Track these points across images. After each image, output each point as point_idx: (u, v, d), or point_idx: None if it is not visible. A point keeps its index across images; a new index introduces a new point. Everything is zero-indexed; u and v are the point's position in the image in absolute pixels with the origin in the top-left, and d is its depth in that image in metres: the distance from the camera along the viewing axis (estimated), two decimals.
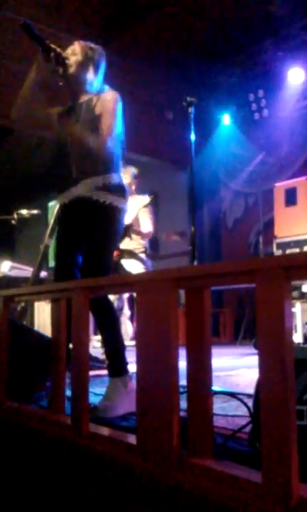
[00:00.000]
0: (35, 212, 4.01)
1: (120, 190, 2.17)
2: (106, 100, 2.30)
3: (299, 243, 5.05)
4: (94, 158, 2.18)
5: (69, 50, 2.31)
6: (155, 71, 7.24)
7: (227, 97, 7.56)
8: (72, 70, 2.27)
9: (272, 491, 0.97)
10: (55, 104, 2.57)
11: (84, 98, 2.31)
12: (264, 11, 6.12)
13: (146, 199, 3.98)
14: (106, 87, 2.44)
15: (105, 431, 1.48)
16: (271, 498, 0.97)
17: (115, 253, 3.96)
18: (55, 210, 3.65)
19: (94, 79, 2.35)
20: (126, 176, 4.04)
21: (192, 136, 3.10)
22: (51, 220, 3.61)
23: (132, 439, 1.33)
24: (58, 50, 2.22)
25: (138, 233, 4.01)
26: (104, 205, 2.10)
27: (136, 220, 3.93)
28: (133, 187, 4.07)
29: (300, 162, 6.97)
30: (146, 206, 3.91)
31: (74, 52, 2.31)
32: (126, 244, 4.04)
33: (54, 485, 1.51)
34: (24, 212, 3.90)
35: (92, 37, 6.47)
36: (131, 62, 7.01)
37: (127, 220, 3.90)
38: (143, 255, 4.09)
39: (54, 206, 3.70)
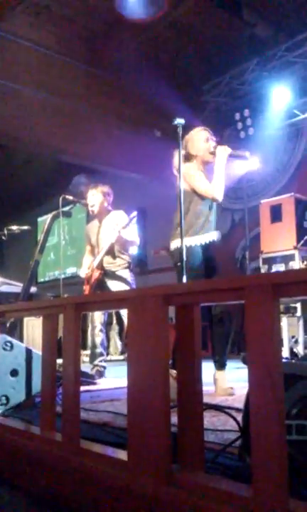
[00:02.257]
0: (25, 227, 4.02)
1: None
2: None
3: (285, 258, 5.13)
4: None
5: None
6: (143, 90, 7.34)
7: (213, 116, 7.69)
8: None
9: (262, 506, 0.99)
10: None
11: None
12: (249, 32, 6.27)
13: (122, 216, 3.98)
14: None
15: (96, 447, 1.48)
16: None
17: (98, 272, 3.96)
18: (46, 225, 3.67)
19: None
20: (97, 194, 4.08)
21: (181, 154, 3.15)
22: (41, 236, 3.62)
23: (123, 455, 1.34)
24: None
25: (125, 243, 3.98)
26: None
27: (120, 238, 3.91)
28: (106, 204, 4.10)
29: (285, 179, 7.09)
30: (124, 228, 3.89)
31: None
32: (108, 261, 4.02)
33: (44, 502, 1.51)
34: (14, 227, 3.91)
35: (81, 55, 6.61)
36: (119, 81, 7.13)
37: (110, 239, 3.91)
38: (127, 271, 4.06)
39: (44, 221, 3.72)
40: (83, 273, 4.09)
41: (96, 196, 4.08)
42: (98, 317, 3.98)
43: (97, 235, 4.09)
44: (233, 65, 7.02)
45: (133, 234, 4.05)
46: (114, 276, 4.00)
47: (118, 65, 6.87)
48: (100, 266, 3.98)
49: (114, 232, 3.86)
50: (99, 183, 4.16)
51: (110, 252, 3.99)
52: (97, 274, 3.96)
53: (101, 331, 3.98)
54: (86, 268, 4.09)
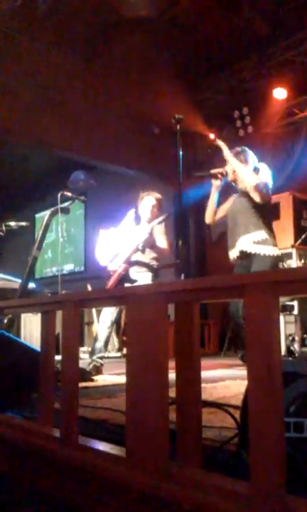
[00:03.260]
0: (23, 224, 4.01)
1: None
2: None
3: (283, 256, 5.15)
4: None
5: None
6: (141, 86, 7.34)
7: (212, 114, 7.69)
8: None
9: (261, 502, 1.00)
10: None
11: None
12: (248, 29, 6.26)
13: (159, 218, 4.05)
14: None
15: (94, 443, 1.49)
16: (259, 509, 0.99)
17: (124, 266, 3.99)
18: (44, 222, 3.66)
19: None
20: (152, 200, 4.13)
21: (180, 152, 3.16)
22: (39, 232, 3.62)
23: (121, 451, 1.34)
24: (221, 171, 3.60)
25: (153, 247, 4.04)
26: None
27: (151, 236, 3.98)
28: (156, 210, 4.19)
29: (283, 177, 7.10)
30: (160, 223, 3.97)
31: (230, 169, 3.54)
32: (138, 256, 4.06)
33: (42, 498, 1.52)
34: (12, 224, 3.91)
35: (80, 51, 6.59)
36: (116, 77, 7.11)
37: (141, 236, 3.96)
38: (151, 274, 4.11)
39: (42, 217, 3.72)
40: (112, 266, 4.09)
41: (151, 205, 4.14)
42: (110, 313, 4.01)
43: (136, 235, 4.12)
44: (232, 63, 7.01)
45: (162, 241, 4.07)
46: (142, 264, 4.04)
47: (117, 61, 6.86)
48: (127, 261, 4.01)
49: (148, 229, 3.92)
50: (151, 190, 4.23)
51: (141, 250, 4.03)
52: (121, 269, 3.98)
53: (108, 327, 4.00)
54: (114, 263, 4.10)
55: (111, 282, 3.98)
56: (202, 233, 8.08)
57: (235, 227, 3.57)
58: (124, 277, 3.98)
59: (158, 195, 4.23)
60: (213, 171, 3.58)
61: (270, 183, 3.47)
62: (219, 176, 3.51)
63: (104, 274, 4.10)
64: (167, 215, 4.00)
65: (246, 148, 3.63)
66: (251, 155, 3.56)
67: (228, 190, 3.74)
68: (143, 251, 4.06)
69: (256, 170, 3.56)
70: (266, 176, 3.56)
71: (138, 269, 4.06)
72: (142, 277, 4.01)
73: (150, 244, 4.03)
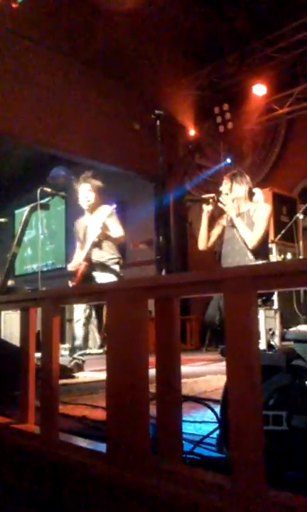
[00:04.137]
0: (2, 220, 3.97)
1: None
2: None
3: None
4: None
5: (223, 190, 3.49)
6: (122, 83, 7.31)
7: (192, 110, 7.70)
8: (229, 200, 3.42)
9: (240, 495, 1.01)
10: None
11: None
12: (229, 26, 6.28)
13: (109, 208, 3.98)
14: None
15: (75, 440, 1.49)
16: (239, 501, 1.00)
17: (84, 264, 3.94)
18: (24, 218, 3.63)
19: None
20: (92, 189, 4.06)
21: (160, 148, 3.16)
22: (19, 228, 3.58)
23: (102, 447, 1.34)
24: (213, 196, 3.45)
25: (108, 237, 3.98)
26: None
27: (105, 227, 3.92)
28: (99, 199, 4.10)
29: (263, 174, 7.15)
30: (109, 216, 3.91)
31: (226, 189, 3.46)
32: (98, 255, 4.00)
33: (23, 494, 1.51)
34: None
35: (63, 47, 6.53)
36: (98, 74, 7.08)
37: (94, 231, 3.91)
38: (117, 266, 4.06)
39: (22, 213, 3.68)
40: (70, 266, 4.06)
41: (91, 192, 4.06)
42: (83, 311, 3.97)
43: (85, 229, 4.07)
44: (212, 59, 7.03)
45: (118, 230, 4.03)
46: (104, 268, 3.99)
47: (99, 57, 6.81)
48: (87, 259, 3.96)
49: (99, 223, 3.86)
50: (90, 177, 4.13)
51: (98, 245, 3.98)
52: (82, 266, 3.94)
53: (84, 324, 3.97)
54: (74, 262, 4.07)
55: (75, 281, 3.95)
56: (183, 229, 8.10)
57: (231, 258, 3.51)
58: (87, 275, 3.95)
59: (95, 182, 4.11)
60: (205, 196, 3.55)
61: (266, 218, 3.40)
62: (211, 201, 3.49)
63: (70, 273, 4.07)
64: (114, 207, 3.95)
65: (242, 171, 3.63)
66: (246, 178, 3.56)
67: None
68: (100, 247, 4.00)
69: (251, 194, 3.55)
70: (259, 200, 3.58)
71: (99, 267, 4.01)
72: (104, 276, 3.99)
73: (104, 236, 3.96)
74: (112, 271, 3.97)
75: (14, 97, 6.21)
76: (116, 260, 4.06)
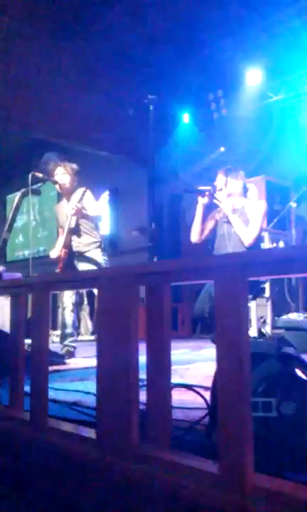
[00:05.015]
0: None
1: None
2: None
3: None
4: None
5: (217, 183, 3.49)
6: (116, 67, 7.22)
7: (186, 96, 7.63)
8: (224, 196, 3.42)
9: (228, 481, 1.01)
10: None
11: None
12: (225, 11, 6.20)
13: (83, 190, 3.90)
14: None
15: (64, 425, 1.49)
16: (226, 487, 1.01)
17: (64, 251, 3.88)
18: (15, 203, 3.60)
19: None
20: (67, 172, 3.99)
21: (153, 133, 3.13)
22: (10, 214, 3.55)
23: (91, 433, 1.34)
24: (210, 189, 3.44)
25: (85, 216, 3.89)
26: None
27: (81, 208, 3.83)
28: (75, 183, 4.03)
29: (257, 161, 7.12)
30: (81, 199, 3.81)
31: (221, 184, 3.47)
32: (77, 241, 3.94)
33: (12, 480, 1.51)
34: None
35: (51, 28, 6.42)
36: (92, 58, 6.98)
37: (70, 218, 3.85)
38: (98, 250, 4.00)
39: (13, 199, 3.64)
40: (53, 254, 4.02)
41: (66, 175, 4.00)
42: (69, 297, 3.94)
43: (65, 215, 4.02)
44: (207, 44, 6.95)
45: (95, 208, 3.90)
46: (83, 257, 3.95)
47: (89, 39, 6.72)
48: (66, 245, 3.91)
49: (72, 206, 3.80)
50: (66, 161, 4.07)
51: (76, 231, 3.91)
52: (62, 253, 3.89)
53: (72, 311, 3.95)
54: (55, 249, 4.04)
55: (58, 269, 3.91)
56: (176, 217, 8.08)
57: (225, 249, 3.49)
58: (68, 262, 3.91)
59: (70, 165, 4.03)
60: (200, 188, 3.51)
61: (261, 216, 3.38)
62: (207, 193, 3.46)
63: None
64: (85, 189, 3.86)
65: (237, 166, 3.59)
66: (241, 173, 3.53)
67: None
68: (78, 232, 3.94)
69: (245, 190, 3.52)
70: (254, 196, 3.55)
71: (79, 256, 3.97)
72: (85, 266, 3.94)
73: (81, 215, 3.87)
74: (91, 260, 3.92)
75: (3, 81, 6.12)
76: (98, 244, 4.00)
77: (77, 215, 3.84)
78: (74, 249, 3.94)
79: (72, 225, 3.88)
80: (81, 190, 3.92)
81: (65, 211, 4.02)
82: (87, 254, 3.95)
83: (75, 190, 3.98)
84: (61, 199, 4.19)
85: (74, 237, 3.93)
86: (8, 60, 6.16)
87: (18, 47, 6.23)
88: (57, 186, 4.05)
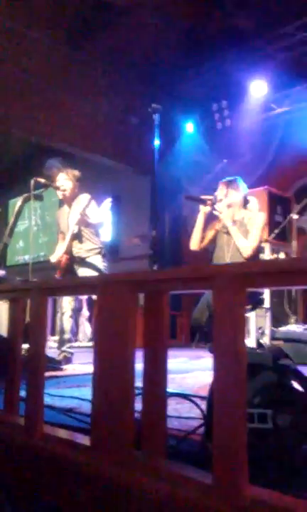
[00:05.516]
0: None
1: None
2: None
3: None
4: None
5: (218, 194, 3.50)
6: (122, 76, 7.28)
7: (190, 106, 7.68)
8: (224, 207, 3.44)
9: (222, 492, 1.00)
10: None
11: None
12: (231, 23, 6.25)
13: (87, 197, 3.90)
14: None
15: (59, 432, 1.48)
16: (220, 498, 1.00)
17: (65, 257, 3.89)
18: (16, 208, 3.61)
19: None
20: (68, 178, 4.01)
21: (156, 142, 3.14)
22: (11, 218, 3.56)
23: (86, 440, 1.34)
24: (211, 198, 3.48)
25: (88, 225, 3.90)
26: None
27: (84, 216, 3.84)
28: (76, 190, 4.05)
29: (259, 172, 7.15)
30: (88, 204, 3.84)
31: (222, 194, 3.48)
32: (78, 247, 3.95)
33: (6, 486, 1.50)
34: None
35: (62, 37, 6.48)
36: (98, 67, 7.04)
37: (73, 222, 3.87)
38: (99, 256, 4.01)
39: (15, 204, 3.65)
40: (53, 258, 4.03)
41: (67, 181, 4.01)
42: (68, 303, 3.95)
43: (67, 220, 4.03)
44: (212, 56, 7.00)
45: (97, 215, 3.92)
46: (84, 263, 3.95)
47: (98, 49, 6.77)
48: (68, 251, 3.92)
49: (76, 214, 3.82)
50: (68, 167, 4.09)
51: (77, 237, 3.93)
52: (63, 259, 3.90)
53: (70, 316, 3.95)
54: (55, 254, 4.04)
55: (57, 274, 3.92)
56: (178, 224, 8.09)
57: (223, 259, 3.49)
58: (68, 268, 3.92)
59: (72, 172, 4.06)
60: (203, 197, 3.53)
61: (261, 227, 3.38)
62: (208, 202, 3.47)
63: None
64: (90, 198, 3.88)
65: (239, 178, 3.61)
66: (242, 184, 3.54)
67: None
68: (80, 239, 3.95)
69: (246, 201, 3.54)
70: (254, 209, 3.56)
71: (80, 262, 3.98)
72: (85, 272, 3.95)
73: (84, 223, 3.90)
74: (92, 265, 3.92)
75: (9, 87, 6.16)
76: (98, 250, 4.01)
77: (80, 224, 3.85)
78: (75, 254, 3.94)
79: (75, 231, 3.89)
80: (84, 196, 3.93)
81: (66, 217, 4.03)
82: (87, 260, 3.95)
83: (77, 197, 4.00)
84: (62, 205, 4.20)
85: (75, 243, 3.94)
86: (14, 67, 6.20)
87: (22, 52, 6.28)
88: (58, 192, 4.06)
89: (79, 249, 3.95)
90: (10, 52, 6.12)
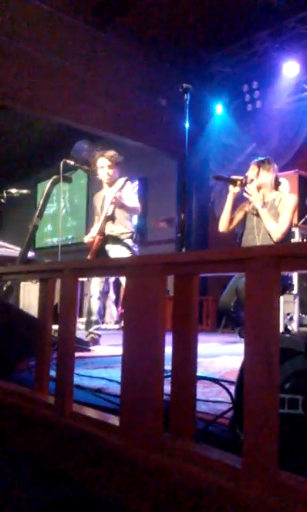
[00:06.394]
0: (24, 191, 3.97)
1: None
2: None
3: None
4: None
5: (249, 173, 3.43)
6: (150, 57, 7.18)
7: (220, 87, 7.54)
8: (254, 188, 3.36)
9: (251, 476, 1.00)
10: None
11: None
12: (262, 1, 6.07)
13: (122, 180, 3.94)
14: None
15: (88, 411, 1.49)
16: (250, 483, 0.99)
17: (98, 238, 3.93)
18: (46, 190, 3.62)
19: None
20: (109, 163, 4.01)
21: (187, 124, 3.10)
22: (41, 200, 3.57)
23: (115, 420, 1.35)
24: (241, 178, 3.41)
25: (123, 206, 3.94)
26: None
27: (119, 198, 3.88)
28: (117, 174, 4.07)
29: (289, 155, 6.99)
30: (121, 188, 3.86)
31: (253, 175, 3.40)
32: (110, 228, 3.99)
33: (38, 463, 1.53)
34: (13, 191, 3.87)
35: (88, 18, 6.41)
36: (126, 47, 6.95)
37: (107, 201, 3.89)
38: (130, 240, 4.03)
39: (44, 186, 3.67)
40: (86, 239, 4.07)
41: (109, 165, 4.03)
42: (97, 285, 3.98)
43: (103, 203, 4.05)
44: (243, 35, 6.83)
45: (133, 200, 3.98)
46: (116, 241, 3.97)
47: (125, 30, 6.68)
48: (101, 232, 3.95)
49: (112, 195, 3.83)
50: (108, 151, 4.09)
51: (111, 218, 3.95)
52: (96, 240, 3.94)
53: (98, 299, 3.98)
54: (89, 235, 4.07)
55: (89, 255, 3.95)
56: (205, 207, 8.02)
57: (253, 242, 3.43)
58: (101, 249, 3.95)
59: (111, 154, 4.05)
60: (233, 177, 3.46)
61: (292, 210, 3.28)
62: (238, 182, 3.40)
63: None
64: (126, 179, 3.89)
65: (270, 158, 3.52)
66: (274, 166, 3.46)
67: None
68: (113, 220, 3.97)
69: (277, 183, 3.46)
70: (285, 191, 3.48)
71: (112, 240, 4.00)
72: (117, 249, 3.96)
73: (120, 204, 3.91)
74: (124, 244, 3.95)
75: (36, 67, 6.14)
76: (129, 234, 4.02)
77: (116, 204, 3.87)
78: (108, 234, 3.97)
79: (109, 213, 3.92)
80: (122, 179, 3.96)
81: (103, 199, 4.05)
82: (118, 242, 3.97)
83: (116, 180, 4.02)
84: (100, 188, 4.22)
85: (108, 225, 3.97)
86: (41, 46, 6.16)
87: (51, 33, 6.23)
88: (100, 176, 4.07)
89: (111, 231, 3.98)
90: (34, 31, 6.08)
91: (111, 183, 4.06)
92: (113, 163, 4.03)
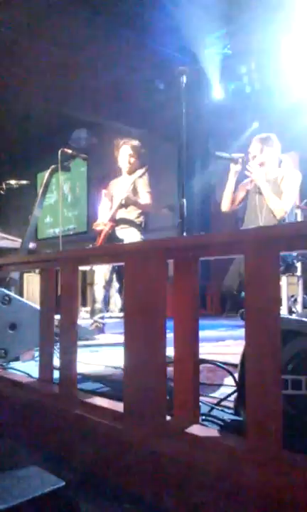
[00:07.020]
0: (24, 182, 3.95)
1: None
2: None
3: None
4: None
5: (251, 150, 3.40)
6: (146, 41, 7.07)
7: (218, 69, 7.44)
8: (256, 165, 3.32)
9: (256, 457, 1.00)
10: None
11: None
12: None
13: (142, 169, 3.92)
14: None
15: (92, 399, 1.50)
16: (254, 464, 1.00)
17: (110, 224, 3.93)
18: (44, 180, 3.60)
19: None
20: (133, 150, 3.99)
21: (183, 107, 3.05)
22: (40, 191, 3.56)
23: (120, 407, 1.35)
24: (242, 156, 3.37)
25: (135, 203, 3.94)
26: None
27: (134, 190, 3.88)
28: (137, 162, 4.05)
29: (289, 137, 6.91)
30: (141, 176, 3.86)
31: (256, 151, 3.38)
32: (122, 215, 3.98)
33: (43, 452, 1.54)
34: (13, 182, 3.85)
35: (82, 5, 6.31)
36: (121, 32, 6.84)
37: (123, 191, 3.87)
38: (140, 227, 4.04)
39: (43, 176, 3.64)
40: (95, 225, 4.06)
41: (131, 154, 4.01)
42: (102, 274, 3.98)
43: (118, 190, 4.03)
44: (240, 16, 6.72)
45: (146, 196, 3.98)
46: (128, 222, 3.96)
47: (121, 14, 6.58)
48: (113, 219, 3.95)
49: (128, 184, 3.82)
50: (132, 139, 4.08)
51: (123, 206, 3.95)
52: (107, 227, 3.93)
53: (103, 287, 3.98)
54: (99, 221, 4.06)
55: (98, 241, 3.94)
56: (206, 192, 7.98)
57: (255, 226, 3.39)
58: (111, 235, 3.94)
59: (135, 143, 4.07)
60: (234, 155, 3.40)
61: (296, 187, 3.27)
62: (240, 160, 3.34)
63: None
64: (146, 168, 3.89)
65: (274, 136, 3.46)
66: (277, 142, 3.40)
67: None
68: (126, 207, 3.97)
69: (279, 160, 3.41)
70: (288, 168, 3.42)
71: (123, 226, 3.99)
72: (128, 234, 3.96)
73: (132, 201, 3.92)
74: (136, 225, 3.95)
75: (31, 58, 6.07)
76: (139, 223, 4.03)
77: (128, 201, 3.88)
78: (119, 218, 3.96)
79: (123, 202, 3.93)
80: (142, 169, 3.95)
81: (120, 187, 4.03)
82: (131, 226, 3.98)
83: (136, 169, 4.00)
84: (119, 174, 4.19)
85: (121, 211, 3.96)
86: (40, 35, 6.09)
87: (50, 22, 6.15)
88: (120, 163, 4.07)
89: (123, 217, 3.97)
90: (31, 20, 6.00)
91: (131, 172, 4.04)
92: (135, 153, 4.02)
